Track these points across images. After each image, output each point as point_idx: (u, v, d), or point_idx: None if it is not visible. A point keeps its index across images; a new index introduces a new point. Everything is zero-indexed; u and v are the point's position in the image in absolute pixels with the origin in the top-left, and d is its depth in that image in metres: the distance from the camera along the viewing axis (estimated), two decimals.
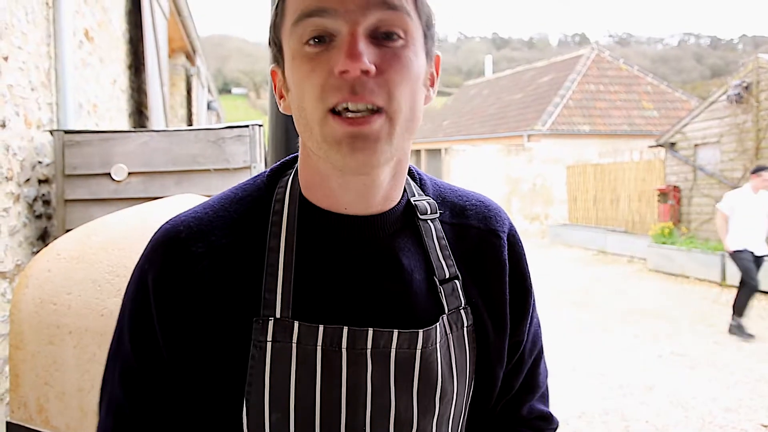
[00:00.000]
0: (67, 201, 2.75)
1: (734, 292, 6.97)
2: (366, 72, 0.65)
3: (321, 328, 0.72)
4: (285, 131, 1.77)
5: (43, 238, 2.98)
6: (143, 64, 5.00)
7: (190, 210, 0.81)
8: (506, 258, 0.84)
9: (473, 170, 16.61)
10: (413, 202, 0.79)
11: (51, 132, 2.86)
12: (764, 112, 10.19)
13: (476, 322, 0.81)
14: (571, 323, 7.04)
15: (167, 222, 0.80)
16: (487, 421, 0.88)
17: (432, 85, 0.77)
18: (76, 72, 3.42)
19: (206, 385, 0.74)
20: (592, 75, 21.35)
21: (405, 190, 0.80)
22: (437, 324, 0.76)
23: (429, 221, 0.80)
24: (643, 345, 6.19)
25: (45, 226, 3.01)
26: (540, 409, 0.92)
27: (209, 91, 13.17)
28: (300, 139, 0.74)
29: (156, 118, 4.93)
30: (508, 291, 0.83)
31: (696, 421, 4.30)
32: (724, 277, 9.30)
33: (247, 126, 2.70)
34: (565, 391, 4.79)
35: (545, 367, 0.95)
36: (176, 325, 0.74)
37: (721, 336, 6.49)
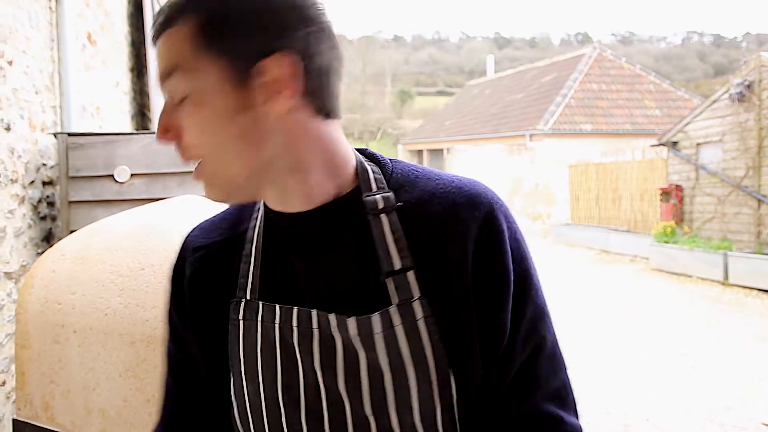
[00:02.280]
0: (71, 202, 2.78)
1: (736, 291, 6.98)
2: (172, 140, 0.82)
3: (277, 307, 0.82)
4: None
5: (48, 239, 3.02)
6: (146, 67, 5.04)
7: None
8: (470, 246, 0.80)
9: (475, 170, 16.63)
10: (363, 198, 0.82)
11: (55, 135, 2.90)
12: (766, 111, 10.18)
13: (438, 314, 0.79)
14: (572, 321, 7.06)
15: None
16: (486, 417, 0.84)
17: (281, 90, 0.75)
18: (79, 75, 3.45)
19: (207, 361, 0.90)
20: (594, 74, 21.34)
21: (360, 185, 0.83)
22: (375, 314, 0.78)
23: (380, 215, 0.81)
24: (644, 344, 6.21)
25: (50, 227, 3.05)
26: (547, 409, 0.84)
27: None
28: None
29: (158, 120, 4.97)
30: (471, 280, 0.80)
31: (697, 419, 4.31)
32: (726, 276, 9.31)
33: None
34: None
35: (556, 365, 0.87)
36: (181, 309, 0.92)
37: (723, 335, 6.49)
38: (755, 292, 8.62)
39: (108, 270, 1.80)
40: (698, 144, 11.94)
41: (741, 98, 10.56)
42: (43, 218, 2.99)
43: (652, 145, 13.66)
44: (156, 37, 0.78)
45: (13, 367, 2.54)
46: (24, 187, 2.79)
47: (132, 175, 2.75)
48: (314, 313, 0.80)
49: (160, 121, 0.78)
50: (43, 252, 2.84)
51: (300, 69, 0.75)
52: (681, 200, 12.24)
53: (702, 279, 9.71)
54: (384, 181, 0.85)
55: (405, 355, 0.79)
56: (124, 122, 4.76)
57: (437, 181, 0.85)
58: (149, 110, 5.10)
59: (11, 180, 2.68)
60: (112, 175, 2.75)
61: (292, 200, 0.82)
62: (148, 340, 1.64)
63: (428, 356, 0.79)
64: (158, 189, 2.75)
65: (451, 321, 0.80)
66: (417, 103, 49.67)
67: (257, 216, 0.88)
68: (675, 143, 12.50)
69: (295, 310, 0.81)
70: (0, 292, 2.58)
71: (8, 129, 2.65)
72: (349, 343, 0.79)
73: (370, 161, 0.88)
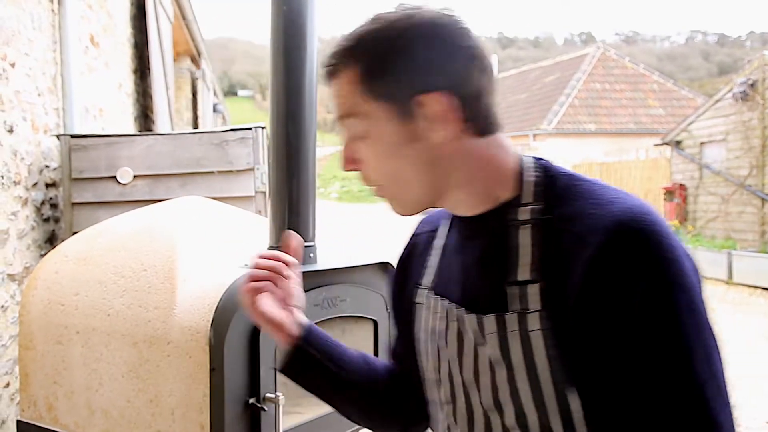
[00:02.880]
0: (74, 204, 2.80)
1: (741, 290, 6.96)
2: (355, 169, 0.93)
3: (436, 298, 0.96)
4: (285, 133, 1.80)
5: (51, 241, 3.03)
6: (148, 68, 5.05)
7: None
8: (586, 269, 0.78)
9: None
10: (510, 210, 0.88)
11: (57, 136, 2.91)
12: None
13: (557, 329, 0.80)
14: None
15: None
16: None
17: (443, 120, 0.86)
18: (81, 77, 3.47)
19: (399, 331, 1.12)
20: (597, 73, 21.31)
21: (519, 195, 0.88)
22: (490, 316, 0.85)
23: (521, 226, 0.86)
24: None
25: (53, 229, 3.06)
26: None
27: (215, 93, 13.23)
28: None
29: (162, 121, 4.99)
30: (579, 303, 0.79)
31: None
32: (730, 275, 9.28)
33: (250, 128, 2.74)
34: None
35: None
36: (398, 291, 1.10)
37: (727, 334, 6.47)
38: (759, 291, 8.59)
39: (111, 271, 1.81)
40: (702, 143, 11.91)
41: (744, 97, 10.54)
42: (46, 220, 3.00)
43: (656, 145, 13.63)
44: (327, 80, 0.91)
45: (17, 368, 2.55)
46: (27, 189, 2.81)
47: (135, 176, 2.76)
48: (452, 307, 0.92)
49: (343, 154, 0.92)
50: (46, 254, 2.85)
51: (455, 101, 0.85)
52: (685, 199, 12.21)
53: (706, 278, 9.64)
54: (542, 194, 0.87)
55: (517, 361, 0.83)
56: (128, 124, 4.77)
57: (594, 201, 0.83)
58: (152, 112, 5.11)
59: (14, 182, 2.69)
60: (115, 177, 2.76)
61: (460, 208, 0.93)
62: (150, 340, 1.65)
63: (541, 367, 0.82)
64: (161, 190, 2.76)
65: (572, 340, 0.80)
66: None
67: (450, 216, 1.02)
68: (678, 142, 12.47)
69: (444, 302, 0.94)
70: (3, 294, 2.59)
71: (11, 131, 2.66)
72: (468, 338, 0.89)
73: (540, 171, 0.90)
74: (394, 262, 1.15)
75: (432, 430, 1.04)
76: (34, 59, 2.92)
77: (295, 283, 1.02)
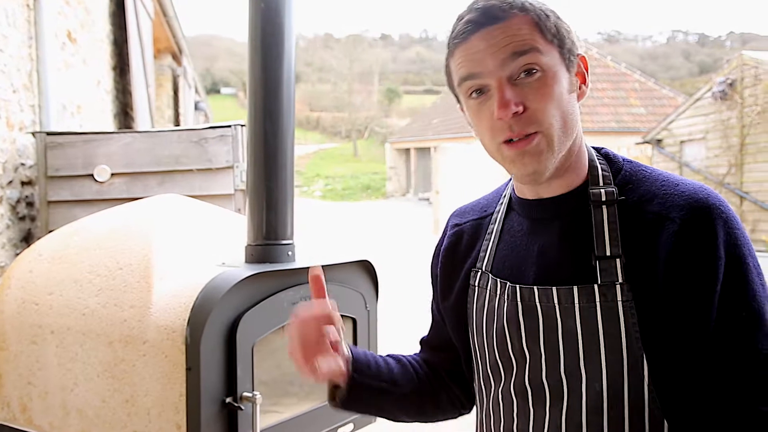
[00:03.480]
0: (50, 202, 2.76)
1: None
2: (515, 113, 0.89)
3: (498, 281, 1.01)
4: (263, 131, 1.79)
5: (27, 239, 2.99)
6: (128, 65, 5.00)
7: None
8: (678, 245, 0.88)
9: (463, 168, 16.66)
10: (589, 190, 0.95)
11: (33, 134, 2.87)
12: (748, 109, 10.29)
13: (637, 301, 0.89)
14: None
15: None
16: (688, 406, 0.89)
17: (583, 81, 0.97)
18: (58, 74, 3.42)
19: (445, 314, 1.13)
20: None
21: (589, 178, 0.97)
22: (576, 287, 0.92)
23: (602, 206, 0.94)
24: None
25: (29, 227, 3.02)
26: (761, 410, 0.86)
27: (196, 91, 13.13)
28: None
29: (141, 118, 4.94)
30: (674, 277, 0.88)
31: None
32: None
33: (229, 126, 2.72)
34: None
35: None
36: (435, 273, 1.16)
37: None
38: None
39: (86, 270, 1.79)
40: (682, 142, 12.04)
41: (724, 96, 10.67)
42: (22, 218, 2.96)
43: (637, 143, 13.75)
44: (494, 21, 0.91)
45: None
46: (2, 187, 2.76)
47: (112, 174, 2.73)
48: (519, 288, 0.97)
49: (502, 97, 0.90)
50: (21, 252, 2.81)
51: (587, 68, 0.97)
52: None
53: None
54: (611, 178, 0.97)
55: (599, 330, 0.91)
56: (107, 121, 4.72)
57: (663, 183, 0.94)
58: (132, 109, 5.06)
59: None
60: (92, 175, 2.73)
61: (554, 186, 0.97)
62: (126, 340, 1.63)
63: (622, 336, 0.90)
64: (139, 188, 2.73)
65: (649, 310, 0.89)
66: (404, 102, 49.63)
67: (503, 203, 1.08)
68: (659, 141, 12.59)
69: (507, 285, 0.99)
70: None
71: None
72: (550, 311, 0.94)
73: (603, 158, 1.01)
74: (372, 260, 1.17)
75: (478, 407, 1.10)
76: (9, 55, 2.87)
77: (334, 319, 0.98)
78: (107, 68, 4.82)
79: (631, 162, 1.00)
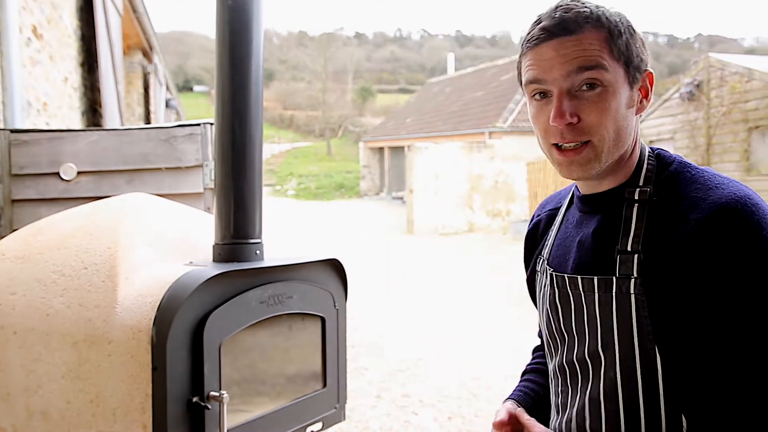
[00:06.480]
0: (14, 201, 2.71)
1: None
2: (569, 123, 0.97)
3: (547, 268, 1.14)
4: (231, 129, 1.78)
5: None
6: (96, 62, 4.92)
7: None
8: (697, 247, 0.91)
9: (436, 167, 16.73)
10: (626, 190, 1.04)
11: None
12: (715, 110, 10.51)
13: (650, 296, 0.95)
14: (527, 320, 7.17)
15: None
16: (695, 397, 0.94)
17: (645, 96, 1.04)
18: (24, 70, 3.36)
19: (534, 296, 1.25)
20: None
21: (631, 177, 1.05)
22: (596, 277, 1.01)
23: (633, 205, 1.01)
24: None
25: None
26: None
27: (168, 88, 12.97)
28: None
29: (110, 116, 4.87)
30: (679, 272, 0.93)
31: None
32: None
33: (198, 124, 2.70)
34: None
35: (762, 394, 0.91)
36: (526, 258, 1.31)
37: None
38: None
39: (50, 270, 1.76)
40: (651, 141, 12.26)
41: (691, 97, 10.89)
42: None
43: None
44: (565, 32, 0.97)
45: None
46: None
47: (78, 172, 2.69)
48: (554, 275, 1.11)
49: (560, 107, 0.98)
50: None
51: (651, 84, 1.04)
52: None
53: None
54: (653, 178, 1.03)
55: (614, 319, 0.99)
56: (74, 119, 4.65)
57: (700, 185, 0.98)
58: (101, 106, 4.98)
59: None
60: (58, 173, 2.69)
61: (603, 184, 1.07)
62: (91, 340, 1.61)
63: (633, 328, 0.97)
64: (106, 187, 2.70)
65: (661, 305, 0.94)
66: (378, 101, 49.63)
67: (569, 197, 1.19)
68: None
69: (549, 271, 1.13)
70: None
71: None
72: (578, 298, 1.05)
73: (654, 158, 1.07)
74: (343, 259, 1.23)
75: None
76: None
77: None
78: (75, 65, 4.74)
79: (681, 163, 1.05)
